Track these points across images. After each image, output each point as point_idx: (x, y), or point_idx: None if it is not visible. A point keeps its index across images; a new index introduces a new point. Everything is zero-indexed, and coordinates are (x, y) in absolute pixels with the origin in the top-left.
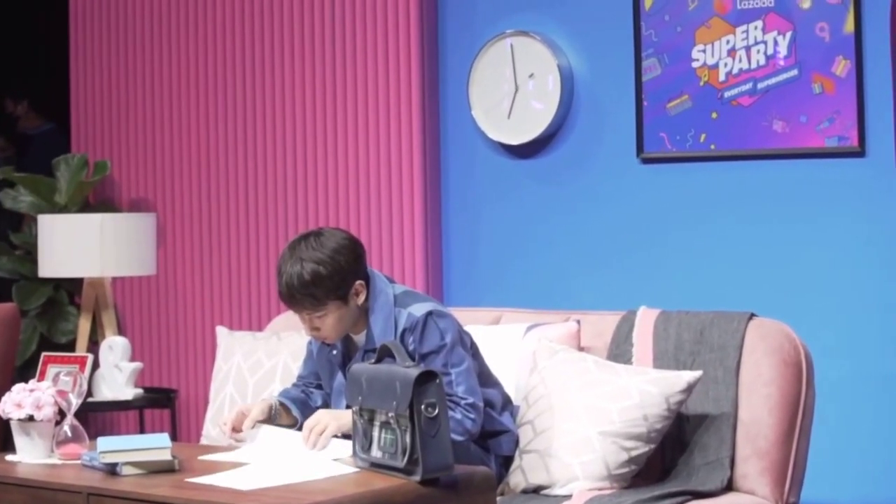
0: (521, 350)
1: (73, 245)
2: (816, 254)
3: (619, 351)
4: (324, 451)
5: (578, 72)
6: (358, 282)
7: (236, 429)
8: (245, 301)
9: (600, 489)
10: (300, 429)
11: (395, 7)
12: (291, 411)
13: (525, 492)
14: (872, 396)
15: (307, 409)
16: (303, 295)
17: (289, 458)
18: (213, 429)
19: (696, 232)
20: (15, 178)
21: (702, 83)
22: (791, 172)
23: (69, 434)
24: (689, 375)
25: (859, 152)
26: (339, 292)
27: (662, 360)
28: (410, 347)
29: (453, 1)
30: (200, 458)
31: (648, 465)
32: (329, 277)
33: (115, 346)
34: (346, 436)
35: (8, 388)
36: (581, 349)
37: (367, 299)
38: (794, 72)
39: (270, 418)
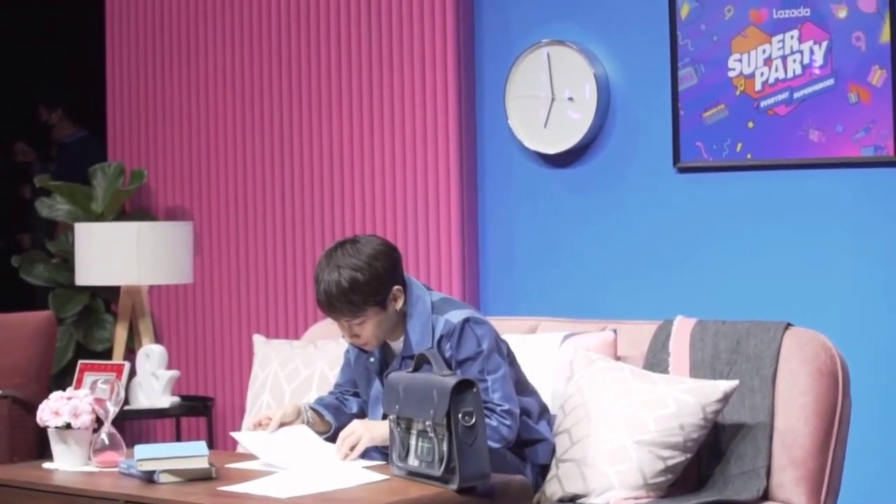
0: (558, 359)
1: (109, 253)
2: (852, 263)
3: (656, 360)
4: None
5: (615, 81)
6: (395, 287)
7: (262, 424)
8: (282, 309)
9: (636, 498)
10: (334, 434)
11: (431, 16)
12: (325, 417)
13: (561, 500)
14: None
15: (341, 415)
16: (341, 302)
17: (322, 465)
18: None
19: (732, 241)
20: (51, 186)
21: (738, 92)
22: (827, 182)
23: (106, 442)
24: (725, 385)
25: (895, 162)
26: (377, 298)
27: (699, 369)
28: (447, 354)
29: (490, 10)
30: (237, 465)
31: (684, 474)
32: (367, 283)
33: (151, 355)
34: (383, 448)
35: (45, 396)
36: (617, 358)
37: (404, 304)
38: (830, 81)
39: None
